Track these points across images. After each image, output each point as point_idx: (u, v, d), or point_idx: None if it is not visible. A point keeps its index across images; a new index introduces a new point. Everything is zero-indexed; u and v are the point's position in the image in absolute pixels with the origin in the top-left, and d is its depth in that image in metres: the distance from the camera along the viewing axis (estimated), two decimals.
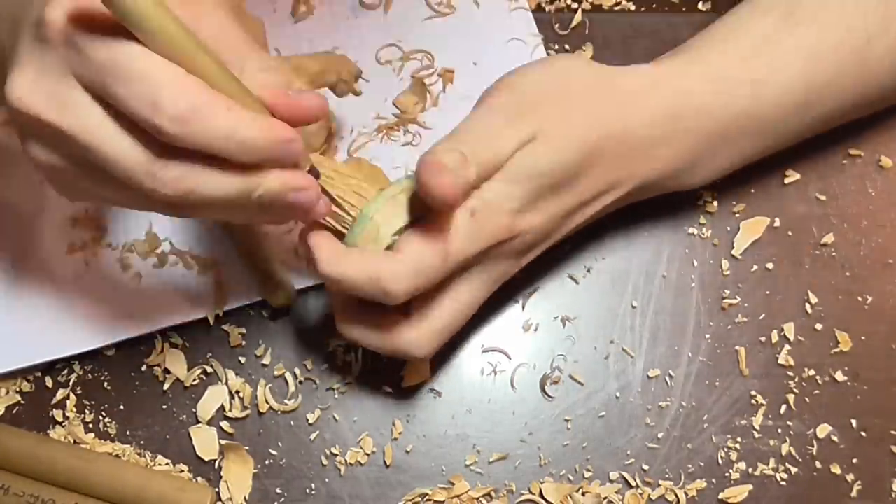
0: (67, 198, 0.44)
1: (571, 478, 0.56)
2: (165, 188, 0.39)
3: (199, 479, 0.56)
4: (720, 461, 0.56)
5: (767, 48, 0.52)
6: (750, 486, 0.55)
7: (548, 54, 0.62)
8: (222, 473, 0.56)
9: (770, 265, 0.58)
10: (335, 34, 0.61)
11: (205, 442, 0.56)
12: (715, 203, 0.59)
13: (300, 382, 0.57)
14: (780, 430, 0.56)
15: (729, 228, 0.59)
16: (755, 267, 0.58)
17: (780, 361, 0.57)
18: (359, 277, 0.46)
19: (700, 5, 0.63)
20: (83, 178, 0.41)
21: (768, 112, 0.53)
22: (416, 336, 0.48)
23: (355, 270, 0.46)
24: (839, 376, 0.57)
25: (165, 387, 0.57)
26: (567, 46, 0.62)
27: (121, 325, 0.57)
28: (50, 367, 0.57)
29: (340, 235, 0.48)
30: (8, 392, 0.57)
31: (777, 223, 0.59)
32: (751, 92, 0.52)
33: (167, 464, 0.56)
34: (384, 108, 0.60)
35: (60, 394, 0.57)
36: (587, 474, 0.55)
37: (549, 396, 0.57)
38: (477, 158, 0.46)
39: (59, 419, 0.57)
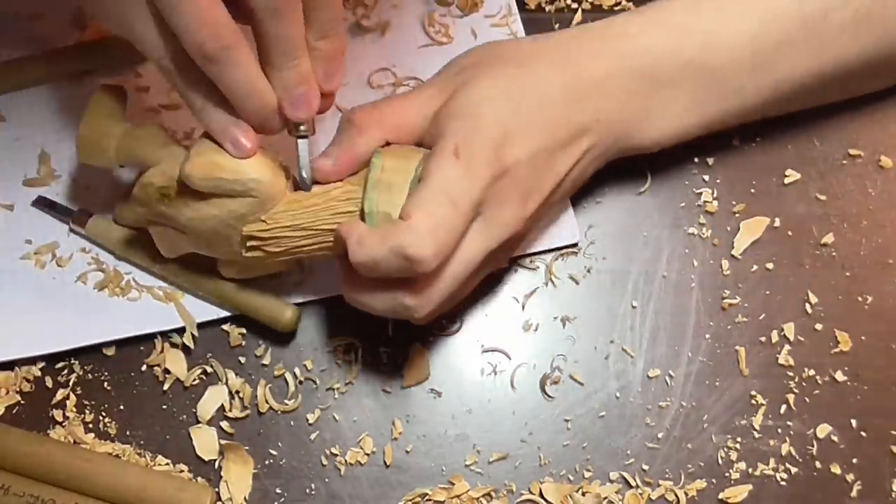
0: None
1: (571, 478, 0.55)
2: None
3: (199, 479, 0.56)
4: (720, 461, 0.56)
5: (720, 3, 0.53)
6: (750, 486, 0.55)
7: None
8: (222, 473, 0.56)
9: (770, 265, 0.58)
10: None
11: (205, 442, 0.56)
12: (715, 203, 0.59)
13: (300, 382, 0.57)
14: (780, 430, 0.56)
15: (729, 228, 0.59)
16: (755, 267, 0.58)
17: (780, 361, 0.57)
18: (385, 254, 0.46)
19: None
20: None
21: (718, 65, 0.53)
22: (419, 290, 0.49)
23: (380, 248, 0.47)
24: (839, 376, 0.57)
25: (165, 387, 0.57)
26: None
27: (85, 329, 0.57)
28: (50, 367, 0.57)
29: None
30: (8, 392, 0.57)
31: (777, 223, 0.59)
32: (699, 42, 0.53)
33: (167, 464, 0.56)
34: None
35: (60, 394, 0.57)
36: (587, 474, 0.55)
37: (549, 396, 0.57)
38: (383, 119, 0.51)
39: (59, 419, 0.57)
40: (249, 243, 0.50)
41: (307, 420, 0.56)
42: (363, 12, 0.62)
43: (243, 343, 0.58)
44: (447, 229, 0.47)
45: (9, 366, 0.57)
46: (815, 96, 0.57)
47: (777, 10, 0.53)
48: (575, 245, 0.58)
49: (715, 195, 0.59)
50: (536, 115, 0.50)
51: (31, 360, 0.57)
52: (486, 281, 0.57)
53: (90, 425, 0.57)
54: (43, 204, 0.58)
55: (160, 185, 0.50)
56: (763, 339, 0.57)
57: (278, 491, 0.56)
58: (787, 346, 0.57)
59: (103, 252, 0.58)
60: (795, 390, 0.57)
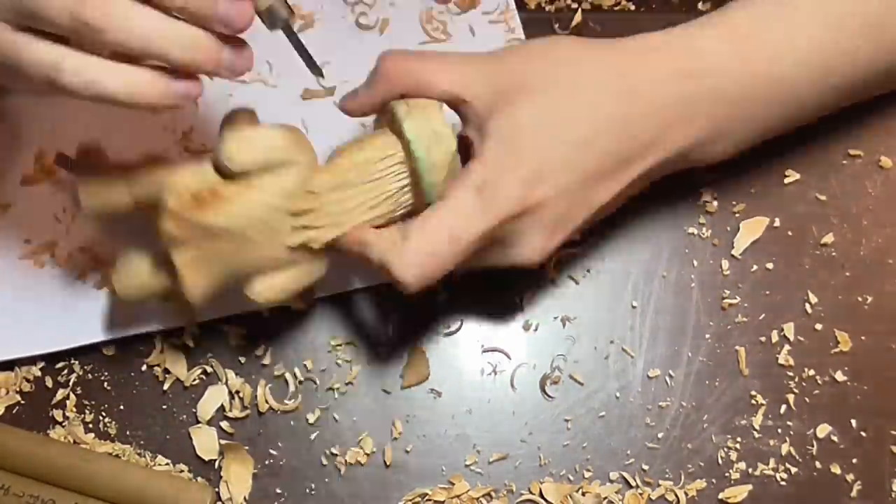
0: None
1: (571, 478, 0.56)
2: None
3: (199, 479, 0.56)
4: (720, 461, 0.56)
5: (785, 11, 0.51)
6: (750, 486, 0.55)
7: None
8: (222, 473, 0.56)
9: (770, 265, 0.58)
10: (330, 52, 0.61)
11: (205, 442, 0.56)
12: (715, 203, 0.59)
13: (300, 382, 0.57)
14: (780, 430, 0.56)
15: (729, 228, 0.59)
16: (755, 267, 0.58)
17: (780, 361, 0.57)
18: (374, 258, 0.47)
19: (700, 5, 0.63)
20: None
21: (787, 76, 0.51)
22: (399, 260, 0.47)
23: (374, 251, 0.47)
24: (839, 376, 0.57)
25: (165, 387, 0.57)
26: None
27: (84, 328, 0.57)
28: (50, 367, 0.57)
29: (408, 190, 0.49)
30: (8, 392, 0.57)
31: (777, 223, 0.59)
32: (769, 54, 0.51)
33: (167, 464, 0.56)
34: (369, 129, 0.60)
35: (60, 394, 0.57)
36: (587, 474, 0.55)
37: (549, 396, 0.57)
38: (410, 71, 0.49)
39: (59, 419, 0.57)
40: (297, 221, 0.48)
41: (307, 420, 0.56)
42: (362, 10, 0.62)
43: (243, 343, 0.58)
44: (438, 264, 0.46)
45: (9, 366, 0.57)
46: (868, 92, 0.56)
47: (842, 13, 0.51)
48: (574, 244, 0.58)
49: (715, 195, 0.59)
50: (579, 148, 0.48)
51: (31, 360, 0.57)
52: (486, 281, 0.57)
53: (90, 425, 0.57)
54: (63, 164, 0.56)
55: (194, 188, 0.47)
56: (763, 339, 0.57)
57: (278, 491, 0.56)
58: (787, 346, 0.57)
59: (102, 250, 0.58)
60: (795, 390, 0.57)
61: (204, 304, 0.50)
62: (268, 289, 0.50)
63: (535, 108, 0.47)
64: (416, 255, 0.46)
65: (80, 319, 0.57)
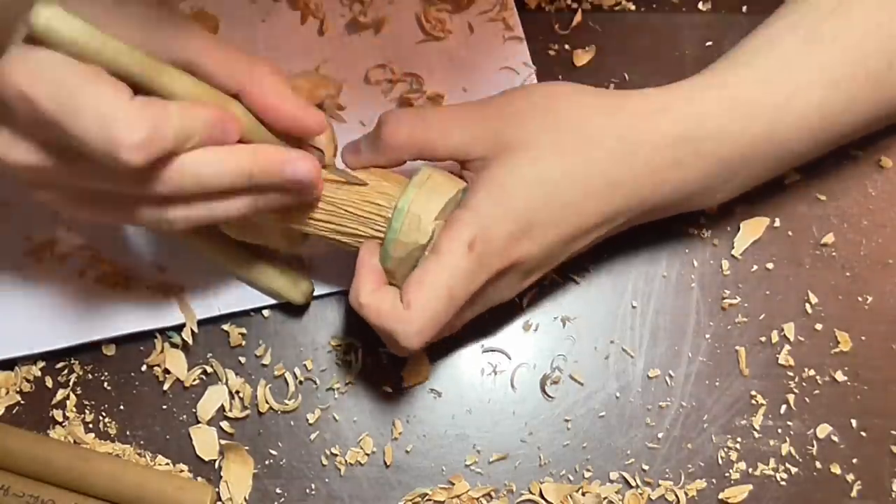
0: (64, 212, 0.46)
1: (571, 478, 0.56)
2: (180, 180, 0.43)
3: (199, 479, 0.56)
4: (720, 461, 0.56)
5: (787, 72, 0.50)
6: (750, 486, 0.55)
7: (546, 57, 0.62)
8: (222, 473, 0.56)
9: (770, 265, 0.58)
10: (326, 50, 0.61)
11: (205, 442, 0.56)
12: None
13: (300, 382, 0.57)
14: (780, 430, 0.56)
15: (729, 228, 0.59)
16: (755, 267, 0.58)
17: (780, 361, 0.57)
18: (376, 325, 0.47)
19: (700, 5, 0.63)
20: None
21: (785, 136, 0.51)
22: (406, 328, 0.48)
23: (372, 318, 0.47)
24: (839, 376, 0.57)
25: (165, 387, 0.57)
26: (567, 46, 0.62)
27: (84, 326, 0.57)
28: (50, 367, 0.57)
29: (380, 241, 0.49)
30: (8, 392, 0.57)
31: (777, 223, 0.59)
32: (769, 116, 0.50)
33: (167, 464, 0.56)
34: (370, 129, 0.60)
35: (60, 394, 0.57)
36: (587, 474, 0.55)
37: (549, 396, 0.57)
38: (412, 141, 0.49)
39: (59, 419, 0.57)
40: None
41: (307, 420, 0.56)
42: (360, 9, 0.62)
43: (243, 343, 0.58)
44: (438, 322, 0.47)
45: (9, 365, 0.57)
46: (859, 136, 0.56)
47: (847, 69, 0.51)
48: None
49: None
50: (570, 207, 0.48)
51: (31, 360, 0.57)
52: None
53: (90, 425, 0.57)
54: None
55: None
56: (763, 339, 0.57)
57: (278, 491, 0.56)
58: (787, 346, 0.57)
59: (103, 248, 0.58)
60: (795, 390, 0.57)
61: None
62: (233, 232, 0.53)
63: (533, 167, 0.47)
64: (418, 322, 0.46)
65: (80, 318, 0.57)
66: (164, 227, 0.45)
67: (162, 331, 0.57)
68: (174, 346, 0.57)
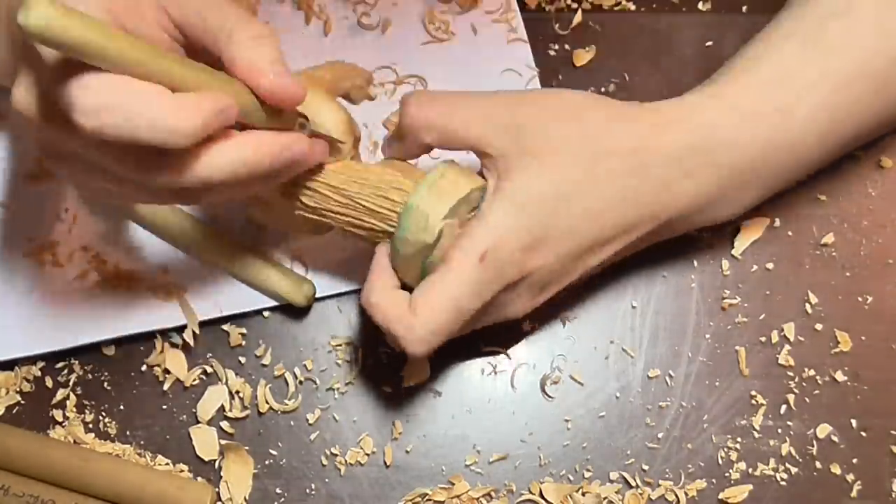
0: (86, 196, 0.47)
1: (571, 478, 0.56)
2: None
3: (199, 478, 0.56)
4: (720, 461, 0.56)
5: (790, 78, 0.50)
6: (750, 486, 0.55)
7: (547, 57, 0.62)
8: (222, 473, 0.56)
9: (770, 265, 0.58)
10: (330, 51, 0.61)
11: (205, 442, 0.56)
12: None
13: (300, 382, 0.57)
14: (780, 430, 0.56)
15: (729, 228, 0.59)
16: (755, 267, 0.58)
17: (780, 361, 0.57)
18: (382, 326, 0.48)
19: (700, 5, 0.63)
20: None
21: (793, 141, 0.51)
22: (410, 335, 0.48)
23: (380, 319, 0.48)
24: (839, 376, 0.57)
25: (165, 387, 0.57)
26: (567, 46, 0.62)
27: (84, 328, 0.57)
28: (50, 367, 0.57)
29: (389, 236, 0.49)
30: (8, 392, 0.57)
31: (777, 223, 0.59)
32: (776, 122, 0.50)
33: (167, 464, 0.56)
34: (376, 130, 0.60)
35: (60, 394, 0.57)
36: (587, 474, 0.55)
37: (549, 396, 0.57)
38: (430, 125, 0.48)
39: (59, 419, 0.57)
40: (288, 188, 0.50)
41: (307, 420, 0.56)
42: (363, 10, 0.62)
43: (243, 343, 0.58)
44: (445, 334, 0.47)
45: (9, 366, 0.57)
46: (864, 142, 0.56)
47: (850, 74, 0.51)
48: None
49: None
50: (585, 218, 0.48)
51: (31, 360, 0.57)
52: None
53: (90, 425, 0.57)
54: None
55: None
56: (763, 339, 0.57)
57: (278, 491, 0.56)
58: (787, 346, 0.57)
59: (103, 249, 0.58)
60: (795, 390, 0.57)
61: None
62: (257, 215, 0.54)
63: (551, 178, 0.47)
64: (423, 331, 0.47)
65: (81, 319, 0.57)
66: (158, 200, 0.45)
67: (163, 331, 0.57)
68: (174, 346, 0.57)
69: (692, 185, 0.50)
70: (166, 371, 0.57)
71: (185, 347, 0.57)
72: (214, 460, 0.56)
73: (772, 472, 0.55)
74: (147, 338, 0.57)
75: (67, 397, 0.57)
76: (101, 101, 0.38)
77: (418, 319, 0.46)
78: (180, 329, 0.57)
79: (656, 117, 0.50)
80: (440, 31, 0.61)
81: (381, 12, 0.62)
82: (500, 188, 0.47)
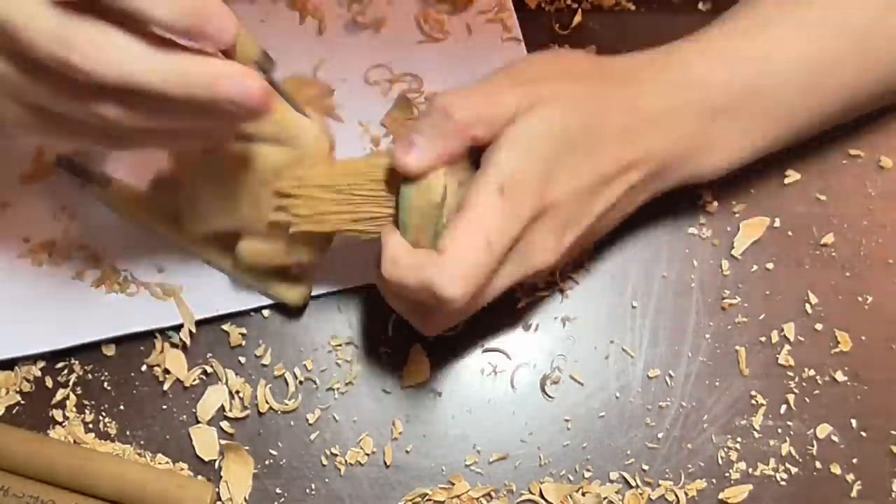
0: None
1: (571, 478, 0.56)
2: (85, 58, 0.38)
3: (199, 478, 0.56)
4: (720, 461, 0.56)
5: (768, 27, 0.52)
6: (750, 486, 0.55)
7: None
8: (222, 473, 0.56)
9: (770, 265, 0.58)
10: (325, 50, 0.61)
11: (205, 442, 0.56)
12: (715, 203, 0.59)
13: (300, 382, 0.57)
14: (780, 430, 0.56)
15: (729, 228, 0.59)
16: (755, 267, 0.58)
17: (780, 361, 0.57)
18: (414, 285, 0.46)
19: (700, 5, 0.63)
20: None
21: (772, 89, 0.52)
22: (445, 274, 0.46)
23: (411, 277, 0.46)
24: (839, 376, 0.57)
25: (165, 387, 0.57)
26: (567, 46, 0.62)
27: (82, 327, 0.56)
28: (50, 367, 0.57)
29: (390, 219, 0.49)
30: (8, 392, 0.57)
31: (777, 223, 0.59)
32: (753, 68, 0.52)
33: (167, 463, 0.56)
34: (371, 128, 0.60)
35: (60, 394, 0.57)
36: (587, 474, 0.55)
37: (549, 396, 0.57)
38: (481, 117, 0.47)
39: (59, 419, 0.57)
40: (279, 201, 0.50)
41: (307, 420, 0.56)
42: (358, 9, 0.62)
43: (243, 343, 0.58)
44: (480, 271, 0.45)
45: (9, 365, 0.57)
46: (859, 110, 0.57)
47: (828, 27, 0.53)
48: None
49: (715, 195, 0.59)
50: (588, 153, 0.49)
51: (31, 360, 0.57)
52: None
53: (90, 425, 0.57)
54: (64, 166, 0.58)
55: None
56: (763, 339, 0.57)
57: (278, 491, 0.56)
58: (787, 346, 0.57)
59: (100, 248, 0.58)
60: (795, 390, 0.57)
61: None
62: (246, 250, 0.54)
63: (552, 121, 0.48)
64: (458, 268, 0.45)
65: (79, 319, 0.57)
66: (107, 133, 0.42)
67: (162, 331, 0.57)
68: (174, 346, 0.57)
69: (677, 124, 0.51)
70: (166, 371, 0.57)
71: (185, 347, 0.57)
72: (214, 460, 0.56)
73: (772, 472, 0.55)
74: (147, 338, 0.57)
75: (67, 397, 0.57)
76: None
77: (450, 258, 0.45)
78: (179, 328, 0.57)
79: (633, 61, 0.52)
80: (435, 31, 0.62)
81: (376, 11, 0.62)
82: (504, 136, 0.47)
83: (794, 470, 0.55)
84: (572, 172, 0.48)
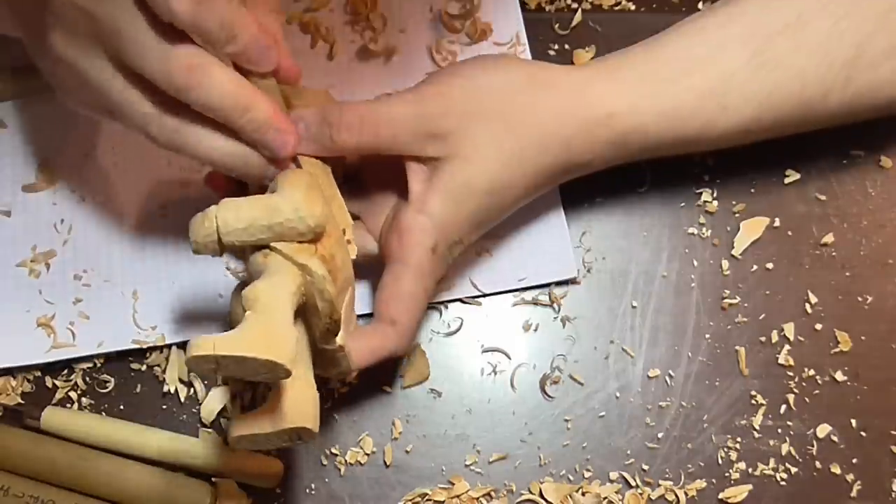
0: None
1: (571, 478, 0.56)
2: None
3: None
4: (720, 461, 0.56)
5: (726, 91, 0.52)
6: (750, 486, 0.55)
7: (547, 57, 0.62)
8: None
9: (770, 265, 0.58)
10: (335, 75, 0.60)
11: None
12: (715, 203, 0.59)
13: None
14: (780, 430, 0.56)
15: (729, 228, 0.59)
16: (755, 267, 0.58)
17: (780, 361, 0.57)
18: (375, 362, 0.51)
19: (700, 5, 0.63)
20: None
21: (709, 141, 0.54)
22: (402, 343, 0.52)
23: (370, 357, 0.51)
24: (839, 376, 0.57)
25: (166, 387, 0.57)
26: (567, 46, 0.62)
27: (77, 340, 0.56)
28: (50, 367, 0.57)
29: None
30: (8, 392, 0.57)
31: (777, 223, 0.59)
32: (698, 129, 0.53)
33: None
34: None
35: (60, 394, 0.57)
36: (587, 474, 0.55)
37: (549, 396, 0.57)
38: (363, 144, 0.50)
39: None
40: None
41: None
42: (371, 36, 0.61)
43: None
44: (420, 320, 0.53)
45: (7, 370, 0.57)
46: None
47: (782, 92, 0.52)
48: (574, 280, 0.58)
49: (715, 195, 0.59)
50: (512, 192, 0.52)
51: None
52: None
53: None
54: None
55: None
56: (763, 339, 0.57)
57: (278, 491, 0.56)
58: (787, 346, 0.57)
59: (98, 263, 0.58)
60: (795, 390, 0.57)
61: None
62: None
63: (482, 177, 0.50)
64: (410, 333, 0.51)
65: (76, 331, 0.56)
66: (153, 132, 0.46)
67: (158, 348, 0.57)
68: (175, 346, 0.57)
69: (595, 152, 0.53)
70: (166, 371, 0.57)
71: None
72: None
73: (772, 472, 0.55)
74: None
75: (67, 397, 0.57)
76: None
77: (401, 327, 0.51)
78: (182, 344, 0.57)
79: (565, 88, 0.52)
80: (446, 62, 0.60)
81: (388, 39, 0.61)
82: (435, 187, 0.50)
83: (794, 470, 0.55)
84: (496, 217, 0.53)
